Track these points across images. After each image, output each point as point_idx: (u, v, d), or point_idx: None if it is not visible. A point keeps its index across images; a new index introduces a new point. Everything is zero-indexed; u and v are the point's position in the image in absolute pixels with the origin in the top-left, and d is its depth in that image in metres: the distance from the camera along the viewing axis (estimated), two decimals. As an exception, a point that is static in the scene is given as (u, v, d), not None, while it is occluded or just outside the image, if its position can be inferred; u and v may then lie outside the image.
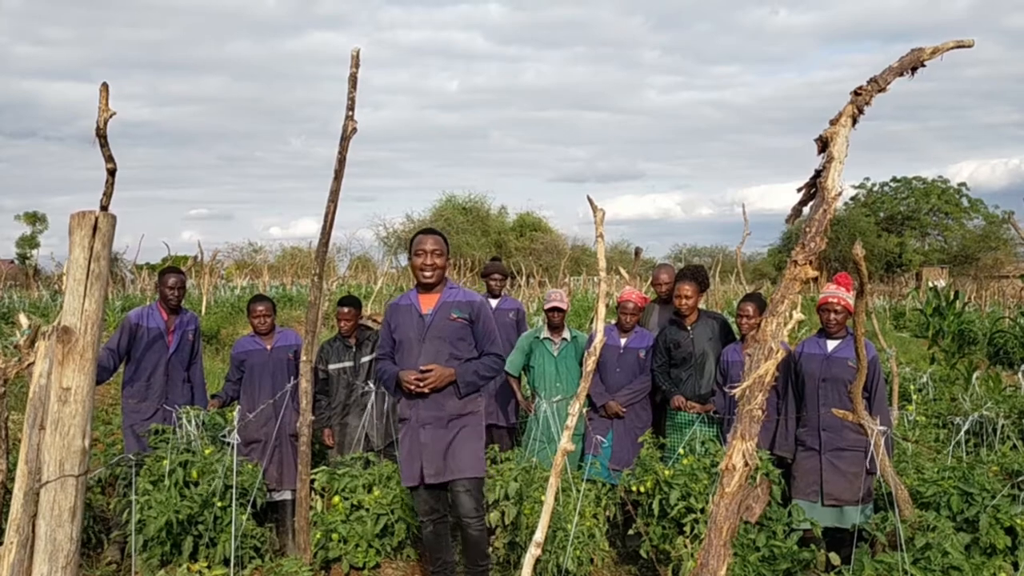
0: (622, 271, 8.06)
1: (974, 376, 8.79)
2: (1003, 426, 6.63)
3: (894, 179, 55.23)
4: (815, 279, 5.57)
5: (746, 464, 1.43)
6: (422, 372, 4.27)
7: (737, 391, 1.48)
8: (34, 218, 51.29)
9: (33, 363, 4.19)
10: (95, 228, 1.55)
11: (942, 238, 54.08)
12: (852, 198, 55.44)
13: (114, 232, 1.59)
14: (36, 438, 1.52)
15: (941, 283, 25.20)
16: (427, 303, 4.46)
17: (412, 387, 4.28)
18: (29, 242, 50.60)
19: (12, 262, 46.01)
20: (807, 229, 1.59)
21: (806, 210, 1.74)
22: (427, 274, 4.39)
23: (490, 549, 4.91)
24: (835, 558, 3.95)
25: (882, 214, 53.66)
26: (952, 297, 11.02)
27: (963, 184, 54.61)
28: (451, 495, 4.37)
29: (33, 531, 1.47)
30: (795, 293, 1.52)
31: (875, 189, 55.50)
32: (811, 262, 1.54)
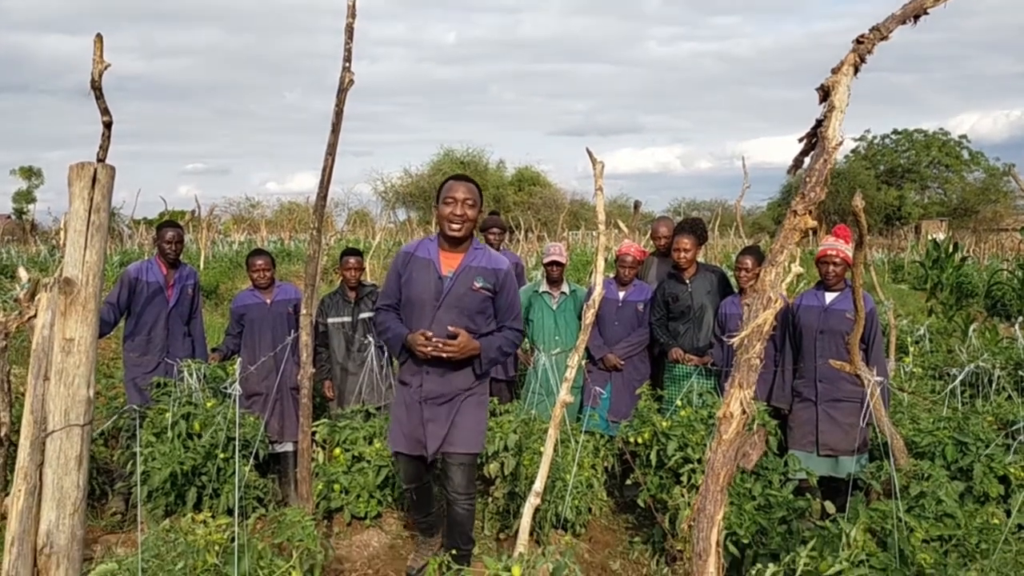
0: (621, 225, 8.04)
1: (971, 328, 8.83)
2: (999, 377, 6.67)
3: (895, 131, 54.94)
4: (814, 231, 5.55)
5: (744, 412, 1.44)
6: (448, 336, 3.77)
7: (736, 340, 1.50)
8: (30, 172, 51.04)
9: (34, 316, 4.20)
10: (94, 179, 1.54)
11: (942, 191, 53.91)
12: (852, 150, 55.16)
13: (113, 183, 1.58)
14: (41, 389, 1.54)
15: (940, 236, 25.18)
16: (448, 262, 3.92)
17: (428, 352, 3.76)
18: (25, 197, 50.41)
19: (9, 217, 45.85)
20: (807, 179, 1.59)
21: (808, 161, 1.73)
22: (455, 226, 3.85)
23: (477, 522, 4.97)
24: (830, 507, 4.00)
25: (882, 167, 53.43)
26: (951, 249, 11.02)
27: (964, 136, 54.30)
28: (443, 467, 4.04)
29: (40, 479, 1.49)
30: (794, 243, 1.53)
31: (875, 141, 55.19)
32: (810, 212, 1.55)
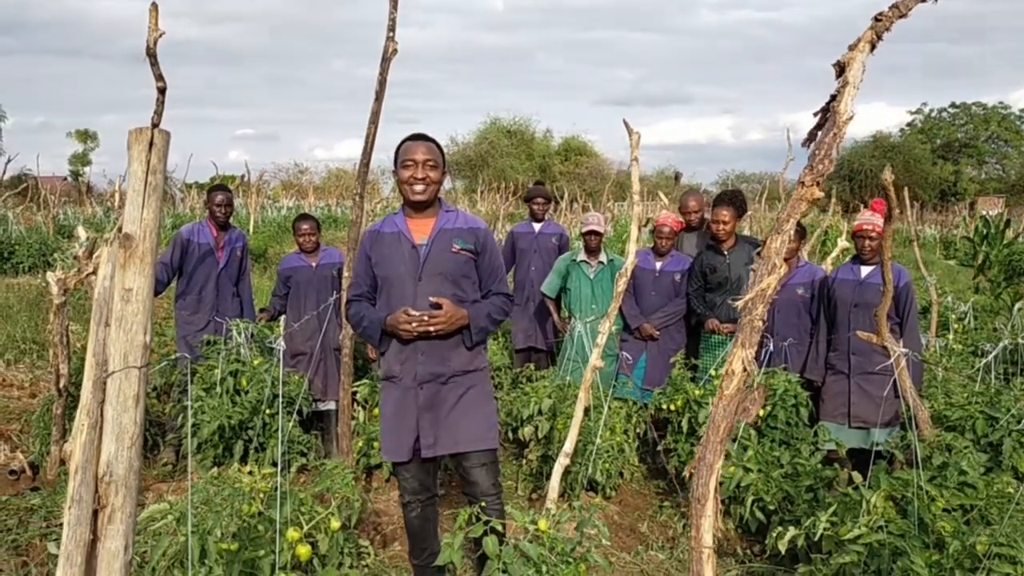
0: (661, 195, 8.07)
1: (1016, 306, 8.71)
2: (1041, 356, 6.60)
3: (952, 105, 53.53)
4: (865, 205, 5.40)
5: (744, 370, 1.54)
6: (432, 308, 3.35)
7: (740, 303, 1.59)
8: (85, 135, 52.22)
9: (92, 273, 4.42)
10: (151, 143, 1.67)
11: (1000, 167, 52.53)
12: (908, 124, 54.00)
13: (168, 147, 1.72)
14: (102, 334, 1.68)
15: (997, 212, 24.61)
16: (419, 230, 3.50)
17: (413, 329, 3.33)
18: (81, 159, 51.59)
19: (65, 179, 46.92)
20: (816, 152, 1.66)
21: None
22: (418, 189, 3.43)
23: (521, 479, 5.12)
24: (857, 477, 4.06)
25: (939, 141, 52.18)
26: (1002, 226, 10.83)
27: (1025, 110, 52.74)
28: (462, 471, 3.55)
29: (101, 416, 1.65)
30: (801, 213, 1.61)
31: (932, 115, 53.86)
32: (818, 184, 1.62)
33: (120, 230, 1.74)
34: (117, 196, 22.81)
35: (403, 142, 3.52)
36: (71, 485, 1.61)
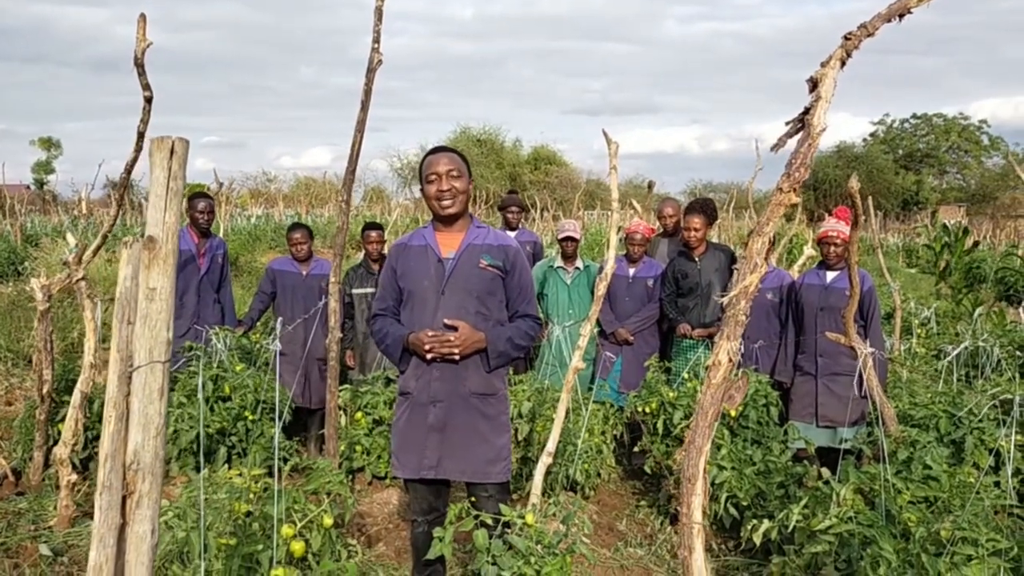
0: (636, 204, 8.25)
1: (977, 311, 9.00)
2: (1000, 359, 6.86)
3: (914, 116, 54.71)
4: (830, 213, 5.55)
5: (729, 360, 1.68)
6: (445, 329, 3.27)
7: (725, 299, 1.73)
8: (49, 143, 51.62)
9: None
10: (172, 151, 1.79)
11: (960, 176, 53.69)
12: (871, 134, 55.05)
13: (188, 154, 1.84)
14: (126, 331, 1.78)
15: (956, 221, 25.20)
16: (448, 243, 3.41)
17: (429, 350, 3.25)
18: (44, 168, 50.97)
19: (28, 187, 46.35)
20: (793, 160, 1.81)
21: (792, 143, 1.96)
22: (445, 203, 3.33)
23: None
24: (826, 473, 4.23)
25: (901, 151, 53.24)
26: (960, 234, 11.17)
27: (984, 121, 53.99)
28: (472, 496, 3.40)
29: (127, 408, 1.75)
30: (779, 217, 1.75)
31: (895, 125, 54.95)
32: (795, 190, 1.77)
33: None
34: (84, 204, 22.66)
35: (424, 157, 3.44)
36: (101, 472, 1.71)
